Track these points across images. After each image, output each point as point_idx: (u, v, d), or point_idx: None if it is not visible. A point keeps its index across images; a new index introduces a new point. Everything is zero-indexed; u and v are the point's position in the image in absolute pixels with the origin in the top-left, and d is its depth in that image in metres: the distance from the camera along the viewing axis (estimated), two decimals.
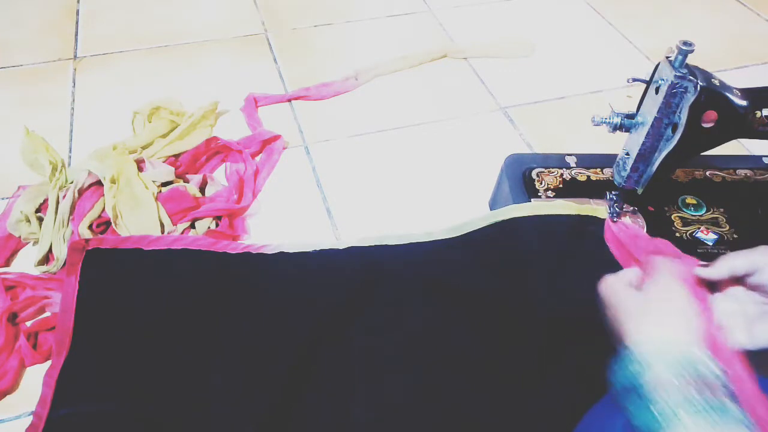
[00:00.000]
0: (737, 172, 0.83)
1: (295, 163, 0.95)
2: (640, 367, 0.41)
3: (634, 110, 0.70)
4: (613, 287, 0.50)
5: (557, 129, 1.02)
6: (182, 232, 0.81)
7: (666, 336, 0.42)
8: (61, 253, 0.77)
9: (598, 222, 0.74)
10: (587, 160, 0.83)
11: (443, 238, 0.79)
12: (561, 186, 0.80)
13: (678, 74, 0.62)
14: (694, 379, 0.39)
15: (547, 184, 0.80)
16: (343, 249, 0.78)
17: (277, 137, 0.97)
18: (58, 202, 0.83)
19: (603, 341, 0.68)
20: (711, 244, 0.74)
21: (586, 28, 1.27)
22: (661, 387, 0.39)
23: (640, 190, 0.72)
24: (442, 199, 0.90)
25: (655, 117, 0.66)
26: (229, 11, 1.27)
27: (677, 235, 0.75)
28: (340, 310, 0.72)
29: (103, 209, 0.83)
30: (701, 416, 0.37)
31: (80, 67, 1.11)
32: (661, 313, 0.45)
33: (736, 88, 0.65)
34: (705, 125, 0.65)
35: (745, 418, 0.37)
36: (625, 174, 0.72)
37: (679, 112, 0.64)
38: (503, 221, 0.77)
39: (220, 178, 0.92)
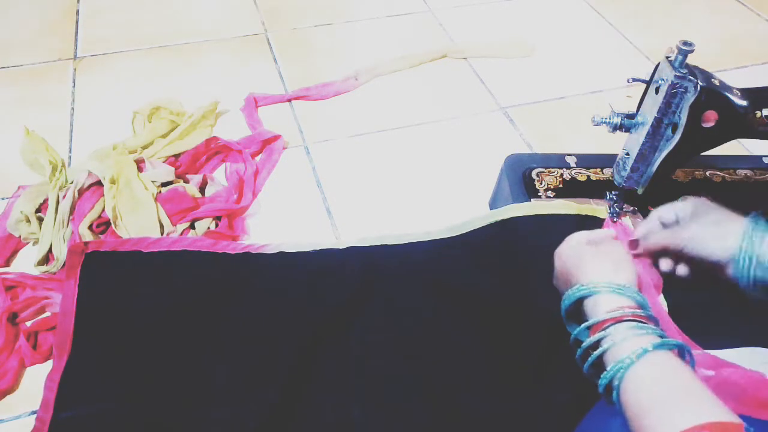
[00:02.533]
0: (737, 172, 0.83)
1: (295, 163, 0.95)
2: (587, 290, 0.52)
3: (634, 110, 0.70)
4: (573, 241, 0.59)
5: (557, 129, 1.02)
6: (182, 233, 0.81)
7: (610, 277, 0.53)
8: (61, 253, 0.77)
9: (598, 222, 0.74)
10: (587, 160, 0.83)
11: (442, 237, 0.79)
12: (561, 186, 0.80)
13: (678, 74, 0.62)
14: (627, 299, 0.50)
15: (547, 184, 0.80)
16: (343, 249, 0.78)
17: (277, 137, 0.97)
18: (58, 202, 0.83)
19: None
20: None
21: (586, 28, 1.27)
22: (602, 304, 0.51)
23: (640, 190, 0.72)
24: (441, 199, 0.90)
25: (655, 117, 0.66)
26: (229, 11, 1.27)
27: None
28: (340, 310, 0.72)
29: (103, 210, 0.83)
30: (630, 327, 0.48)
31: (80, 67, 1.11)
32: (606, 262, 0.55)
33: (736, 88, 0.65)
34: (705, 125, 0.65)
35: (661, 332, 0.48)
36: (625, 174, 0.71)
37: (679, 112, 0.64)
38: (503, 221, 0.77)
39: (220, 178, 0.92)
